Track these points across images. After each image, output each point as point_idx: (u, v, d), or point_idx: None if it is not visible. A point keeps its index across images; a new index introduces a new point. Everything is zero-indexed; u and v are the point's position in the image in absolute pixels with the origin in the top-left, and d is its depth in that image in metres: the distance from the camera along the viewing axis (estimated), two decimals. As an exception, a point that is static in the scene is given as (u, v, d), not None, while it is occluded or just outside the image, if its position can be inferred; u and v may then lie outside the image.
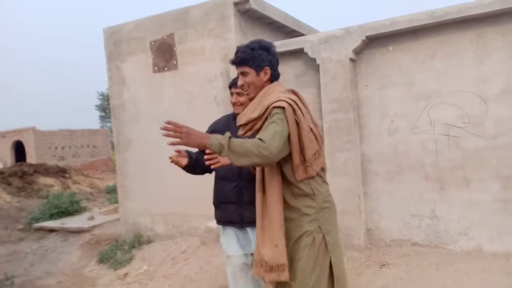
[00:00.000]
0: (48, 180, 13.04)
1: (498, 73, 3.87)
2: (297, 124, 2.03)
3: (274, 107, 2.02)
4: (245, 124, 2.15)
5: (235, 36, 5.10)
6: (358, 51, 4.38)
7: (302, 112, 2.07)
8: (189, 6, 5.40)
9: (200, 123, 5.36)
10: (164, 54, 5.57)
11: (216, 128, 2.75)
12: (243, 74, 2.24)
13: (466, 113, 3.97)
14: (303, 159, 2.05)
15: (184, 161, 2.73)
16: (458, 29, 3.98)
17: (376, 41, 4.31)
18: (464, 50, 3.98)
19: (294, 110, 2.03)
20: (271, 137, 1.93)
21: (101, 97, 37.43)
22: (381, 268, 3.94)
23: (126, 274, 4.92)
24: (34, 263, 5.83)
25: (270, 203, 2.11)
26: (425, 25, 4.01)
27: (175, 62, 5.50)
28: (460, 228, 4.08)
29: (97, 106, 38.96)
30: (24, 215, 8.79)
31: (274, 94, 2.12)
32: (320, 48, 4.48)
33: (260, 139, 1.92)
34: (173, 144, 2.12)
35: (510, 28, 3.83)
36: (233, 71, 5.04)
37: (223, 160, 2.21)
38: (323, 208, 2.12)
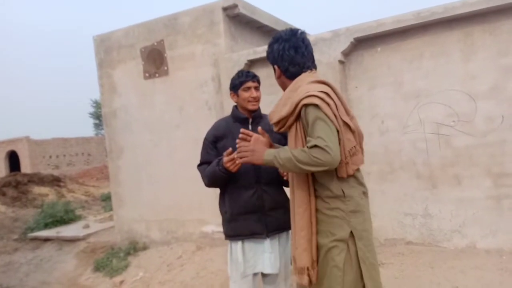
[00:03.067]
0: (43, 189, 12.99)
1: (486, 71, 3.90)
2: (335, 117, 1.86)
3: (306, 105, 1.85)
4: (278, 122, 2.00)
5: (225, 41, 5.12)
6: (347, 53, 4.40)
7: (336, 104, 1.89)
8: (178, 12, 5.42)
9: (192, 128, 5.42)
10: (155, 61, 5.58)
11: (218, 135, 2.54)
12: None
13: (455, 111, 4.00)
14: (343, 154, 1.88)
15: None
16: (445, 29, 4.02)
17: (364, 42, 4.34)
18: (452, 49, 4.02)
19: (328, 104, 1.85)
20: (326, 139, 1.78)
21: (94, 105, 37.32)
22: (376, 268, 3.95)
23: (122, 282, 4.92)
24: (29, 273, 5.80)
25: (295, 205, 1.99)
26: (412, 25, 4.04)
27: (165, 68, 5.50)
28: (453, 226, 4.10)
29: (91, 114, 38.84)
30: (19, 225, 8.76)
31: (302, 87, 1.94)
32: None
33: (313, 145, 1.79)
34: (239, 162, 2.21)
35: (496, 26, 3.87)
36: (224, 76, 5.07)
37: (251, 155, 2.10)
38: (355, 212, 1.93)
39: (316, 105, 1.82)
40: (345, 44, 4.29)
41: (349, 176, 1.94)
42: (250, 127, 2.49)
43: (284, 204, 2.45)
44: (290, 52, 2.05)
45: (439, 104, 4.07)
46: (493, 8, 3.77)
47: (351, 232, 1.91)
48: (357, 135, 2.00)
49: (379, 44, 4.30)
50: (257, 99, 2.53)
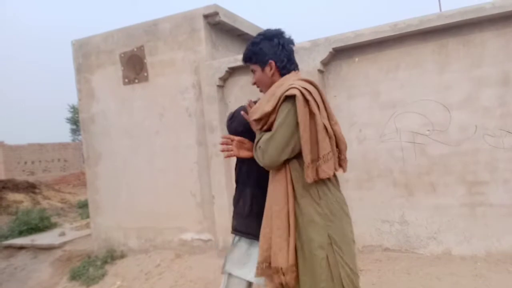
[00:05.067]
0: (17, 196, 12.66)
1: (460, 81, 4.02)
2: (310, 115, 1.81)
3: (286, 97, 1.83)
4: (260, 119, 1.93)
5: (206, 48, 5.13)
6: (326, 63, 4.47)
7: (317, 103, 1.84)
8: (159, 18, 5.41)
9: (173, 135, 5.39)
10: (134, 66, 5.55)
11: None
12: (252, 71, 2.11)
13: (430, 120, 4.11)
14: (316, 157, 1.82)
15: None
16: (420, 40, 4.12)
17: (343, 52, 4.41)
18: (426, 60, 4.13)
19: (306, 100, 1.80)
20: (266, 142, 1.85)
21: (72, 110, 36.66)
22: (353, 275, 3.99)
23: (98, 291, 4.83)
24: (2, 283, 5.64)
25: (272, 202, 1.93)
26: (389, 36, 4.14)
27: (145, 74, 5.47)
28: (429, 233, 4.18)
29: (67, 119, 38.12)
30: (-8, 233, 8.49)
31: (287, 82, 1.92)
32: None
33: (258, 145, 1.91)
34: (227, 157, 2.19)
35: (470, 39, 3.99)
36: (205, 83, 5.07)
37: (237, 152, 2.12)
38: (331, 215, 1.89)
39: (293, 98, 1.80)
40: (324, 54, 4.36)
41: (324, 179, 1.87)
42: None
43: None
44: (290, 47, 2.07)
45: (414, 114, 4.17)
46: (466, 21, 3.89)
47: (328, 235, 1.86)
48: (339, 142, 1.96)
49: (357, 54, 4.38)
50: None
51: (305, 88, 1.83)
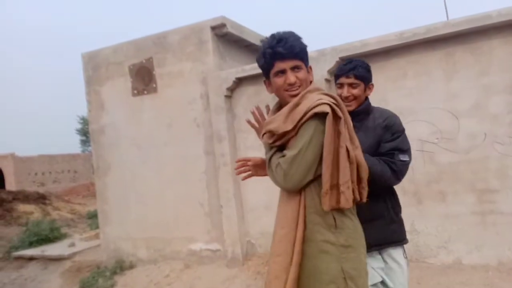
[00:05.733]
0: (28, 207, 12.77)
1: (468, 89, 4.01)
2: (339, 135, 1.61)
3: (317, 114, 1.59)
4: (273, 133, 1.70)
5: (213, 59, 5.18)
6: (333, 72, 4.48)
7: (346, 122, 1.65)
8: (167, 31, 5.49)
9: (181, 145, 5.43)
10: (143, 78, 5.61)
11: None
12: (296, 68, 1.74)
13: (439, 128, 4.09)
14: (336, 183, 1.61)
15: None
16: (427, 49, 4.13)
17: (350, 61, 4.43)
18: (434, 68, 4.13)
19: (337, 118, 1.61)
20: (290, 163, 1.60)
21: (81, 121, 37.01)
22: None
23: (108, 302, 4.83)
24: (13, 294, 5.67)
25: (277, 223, 1.74)
26: (395, 45, 4.15)
27: (154, 86, 5.53)
28: (439, 242, 4.14)
29: (77, 130, 38.49)
30: (3, 244, 8.55)
31: (312, 96, 1.67)
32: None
33: (279, 164, 1.64)
34: (249, 123, 2.03)
35: (477, 47, 3.99)
36: (213, 94, 5.11)
37: (255, 172, 1.98)
38: (347, 246, 1.64)
39: (322, 115, 1.59)
40: (331, 63, 4.38)
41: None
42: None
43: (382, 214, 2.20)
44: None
45: (422, 122, 4.16)
46: (473, 29, 3.90)
47: (342, 269, 1.61)
48: (360, 169, 1.71)
49: (364, 63, 4.39)
50: (351, 98, 2.19)
51: (336, 104, 1.63)
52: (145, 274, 5.18)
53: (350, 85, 2.18)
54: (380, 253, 2.22)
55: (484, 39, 3.95)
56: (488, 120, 3.94)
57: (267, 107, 1.97)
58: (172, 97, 5.45)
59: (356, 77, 2.17)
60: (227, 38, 5.42)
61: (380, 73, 4.34)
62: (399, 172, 2.14)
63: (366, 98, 2.27)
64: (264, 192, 4.57)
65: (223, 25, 5.12)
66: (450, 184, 4.08)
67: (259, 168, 1.95)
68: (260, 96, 4.93)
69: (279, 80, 1.70)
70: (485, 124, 3.95)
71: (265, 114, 1.93)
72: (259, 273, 4.55)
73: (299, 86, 1.69)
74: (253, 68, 4.84)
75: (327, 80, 4.45)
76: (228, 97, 5.11)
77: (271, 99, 4.98)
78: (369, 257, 1.99)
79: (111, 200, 5.97)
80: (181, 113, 5.39)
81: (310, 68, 1.77)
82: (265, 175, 1.89)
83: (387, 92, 4.31)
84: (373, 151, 2.14)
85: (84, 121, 35.66)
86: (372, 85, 2.27)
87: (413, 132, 4.18)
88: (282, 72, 1.69)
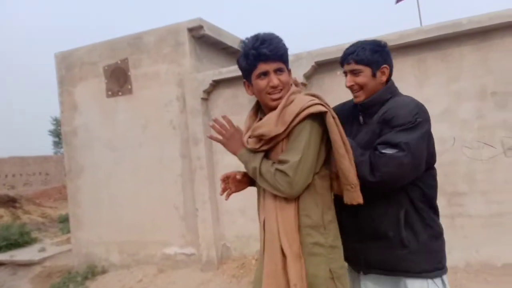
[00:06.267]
0: (-3, 211, 12.35)
1: (439, 95, 4.12)
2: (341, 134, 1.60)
3: (313, 114, 1.58)
4: (262, 137, 1.64)
5: (190, 61, 5.15)
6: (309, 76, 4.53)
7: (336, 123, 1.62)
8: (143, 31, 5.43)
9: (156, 147, 5.37)
10: (118, 79, 5.53)
11: (338, 113, 1.71)
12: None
13: (411, 133, 4.17)
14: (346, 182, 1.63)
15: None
16: (400, 55, 4.21)
17: (325, 66, 4.48)
18: (407, 74, 4.22)
19: (334, 118, 1.60)
20: (295, 168, 1.55)
21: (54, 122, 36.17)
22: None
23: (79, 307, 4.72)
24: (-21, 301, 5.47)
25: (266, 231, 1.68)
26: (370, 51, 4.22)
27: (129, 87, 5.46)
28: (410, 244, 4.22)
29: (50, 132, 37.58)
30: (-30, 249, 8.25)
31: (300, 98, 1.64)
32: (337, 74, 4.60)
33: (281, 170, 1.56)
34: (211, 138, 1.84)
35: (448, 53, 4.10)
36: (189, 96, 5.08)
37: (234, 188, 1.86)
38: (334, 247, 1.64)
39: (317, 116, 1.59)
40: (306, 67, 4.42)
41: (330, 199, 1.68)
42: (361, 118, 1.91)
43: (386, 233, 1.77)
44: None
45: (396, 126, 4.23)
46: (444, 36, 4.01)
47: (330, 270, 1.60)
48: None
49: (339, 68, 4.44)
50: (356, 88, 1.88)
51: (327, 105, 1.63)
52: (117, 279, 5.08)
53: (352, 72, 1.86)
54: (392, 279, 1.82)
55: (454, 45, 4.07)
56: (457, 125, 4.05)
57: (216, 119, 1.83)
58: (147, 98, 5.38)
59: (357, 62, 1.83)
60: (204, 40, 5.40)
61: (354, 78, 4.40)
62: (374, 165, 1.66)
63: (386, 83, 1.89)
64: (240, 195, 4.55)
65: (200, 27, 5.11)
66: (421, 187, 4.16)
67: (239, 183, 1.87)
68: (237, 99, 4.93)
69: (261, 82, 1.65)
70: (454, 129, 4.05)
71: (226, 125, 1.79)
72: (234, 277, 4.53)
73: (282, 89, 1.65)
74: (231, 71, 4.84)
75: (303, 84, 4.49)
76: (205, 99, 5.09)
77: (248, 102, 5.01)
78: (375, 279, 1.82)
79: (83, 203, 5.85)
80: (157, 115, 5.33)
81: (290, 71, 1.73)
82: (245, 188, 1.87)
83: (362, 97, 4.37)
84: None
85: (57, 122, 34.86)
86: (387, 67, 1.87)
87: (386, 137, 4.28)
88: (265, 74, 1.64)
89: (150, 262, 5.28)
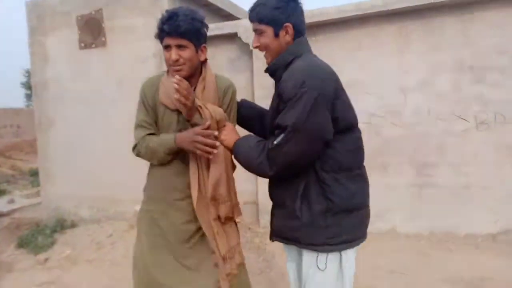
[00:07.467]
0: (-36, 162, 12.03)
1: (418, 65, 4.12)
2: None
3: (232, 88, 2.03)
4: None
5: (168, 16, 4.95)
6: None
7: None
8: (120, -19, 5.16)
9: (132, 104, 5.19)
10: (92, 31, 5.30)
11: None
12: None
13: (386, 102, 4.20)
14: None
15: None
16: (382, 22, 4.17)
17: (307, 30, 4.38)
18: (387, 42, 4.19)
19: None
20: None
21: (27, 74, 34.92)
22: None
23: (47, 259, 4.69)
24: None
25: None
26: (353, 16, 4.15)
27: (103, 39, 5.24)
28: (377, 211, 4.32)
29: (22, 84, 36.34)
30: None
31: (212, 73, 1.99)
32: (253, 34, 4.48)
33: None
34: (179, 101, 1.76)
35: (429, 23, 4.08)
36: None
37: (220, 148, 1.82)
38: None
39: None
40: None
41: None
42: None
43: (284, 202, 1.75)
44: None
45: (372, 95, 4.24)
46: (427, 5, 3.97)
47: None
48: None
49: (320, 33, 4.38)
50: (260, 49, 1.83)
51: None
52: (87, 233, 5.06)
53: (256, 31, 1.81)
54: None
55: (436, 15, 4.04)
56: (433, 96, 4.09)
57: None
58: (123, 53, 5.19)
59: (258, 21, 1.77)
60: (184, -6, 5.19)
61: (336, 43, 4.35)
62: (270, 159, 1.61)
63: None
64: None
65: (180, -19, 4.90)
66: (393, 156, 4.23)
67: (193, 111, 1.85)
68: (215, 59, 4.81)
69: (166, 54, 1.82)
70: (430, 101, 4.09)
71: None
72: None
73: (183, 64, 1.80)
74: (211, 29, 4.68)
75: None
76: (182, 57, 4.95)
77: (227, 62, 4.90)
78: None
79: (53, 157, 5.72)
80: (133, 71, 5.16)
81: (205, 47, 1.86)
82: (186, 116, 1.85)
83: (342, 63, 4.32)
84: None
85: (29, 75, 33.67)
86: (290, 26, 1.73)
87: (363, 105, 4.28)
88: (168, 47, 1.80)
89: (121, 218, 5.26)
